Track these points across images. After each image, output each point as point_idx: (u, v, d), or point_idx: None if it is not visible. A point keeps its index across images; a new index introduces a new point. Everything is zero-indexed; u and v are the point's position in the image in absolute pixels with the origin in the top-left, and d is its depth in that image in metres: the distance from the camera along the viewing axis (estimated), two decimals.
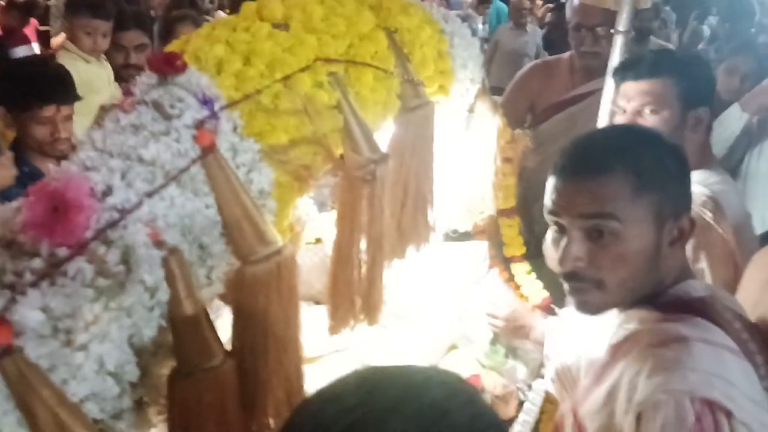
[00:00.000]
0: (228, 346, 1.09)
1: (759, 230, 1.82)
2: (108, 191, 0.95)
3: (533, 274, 2.05)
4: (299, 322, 1.14)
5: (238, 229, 1.04)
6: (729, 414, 0.86)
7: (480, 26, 6.17)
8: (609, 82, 1.95)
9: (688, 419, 0.85)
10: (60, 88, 2.03)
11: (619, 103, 1.72)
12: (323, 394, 0.60)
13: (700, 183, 1.63)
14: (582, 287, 1.02)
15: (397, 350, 1.76)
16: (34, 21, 4.25)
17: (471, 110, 1.87)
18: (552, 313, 1.86)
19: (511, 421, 1.69)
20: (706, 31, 6.01)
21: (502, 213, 2.11)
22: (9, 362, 0.82)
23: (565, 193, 1.02)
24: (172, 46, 1.16)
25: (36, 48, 3.91)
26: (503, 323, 1.66)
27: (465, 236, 2.14)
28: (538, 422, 1.71)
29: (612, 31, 2.05)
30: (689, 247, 1.60)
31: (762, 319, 1.08)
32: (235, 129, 1.07)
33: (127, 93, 1.05)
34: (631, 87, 1.67)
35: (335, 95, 1.20)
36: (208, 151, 1.02)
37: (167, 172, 0.99)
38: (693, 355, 0.90)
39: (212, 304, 1.13)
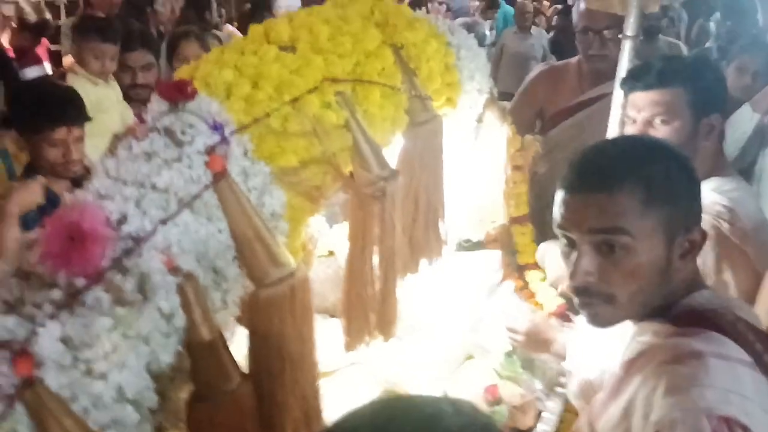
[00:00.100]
0: (243, 366, 1.10)
1: None
2: (123, 220, 0.96)
3: (547, 281, 2.05)
4: (314, 341, 1.15)
5: (252, 252, 1.05)
6: (746, 429, 0.85)
7: (488, 32, 6.17)
8: (618, 91, 1.93)
9: None
10: (70, 109, 2.05)
11: (629, 113, 1.69)
12: (340, 427, 0.60)
13: (716, 191, 1.61)
14: (592, 302, 1.02)
15: (412, 362, 1.76)
16: (45, 41, 4.30)
17: (480, 120, 1.87)
18: (567, 320, 1.86)
19: None
20: (713, 28, 5.97)
21: (514, 221, 2.11)
22: (31, 393, 0.84)
23: (574, 208, 1.01)
24: (182, 72, 1.18)
25: (48, 68, 3.97)
26: (523, 338, 1.65)
27: (477, 246, 2.15)
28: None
29: (620, 36, 2.04)
30: (712, 259, 1.60)
31: None
32: (245, 153, 1.09)
33: (139, 120, 1.07)
34: (640, 97, 1.64)
35: (343, 115, 1.21)
36: (219, 176, 1.03)
37: (180, 199, 1.00)
38: (708, 371, 0.90)
39: (227, 325, 1.14)
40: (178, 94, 1.04)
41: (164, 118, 1.06)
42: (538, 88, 2.67)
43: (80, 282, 0.90)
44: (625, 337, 1.08)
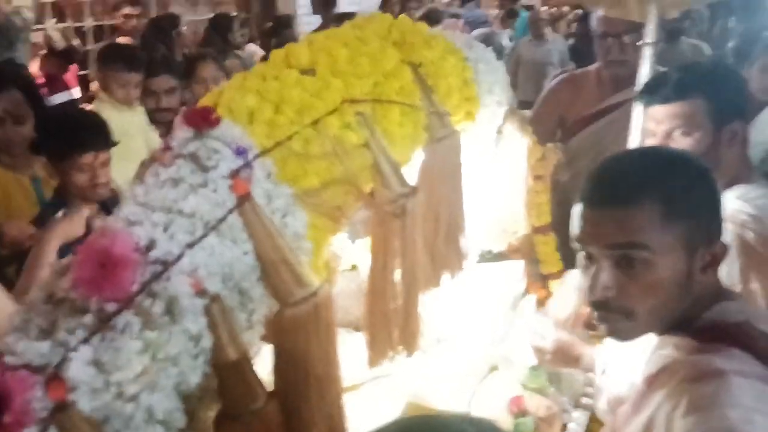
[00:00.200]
0: (268, 384, 1.12)
1: None
2: (151, 245, 0.99)
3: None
4: (338, 359, 1.16)
5: (276, 273, 1.07)
6: None
7: (508, 42, 6.18)
8: (638, 108, 1.91)
9: None
10: (97, 135, 2.11)
11: (649, 126, 1.67)
12: None
13: (741, 198, 1.58)
14: (611, 317, 1.01)
15: (436, 375, 1.76)
16: (74, 67, 4.42)
17: (500, 131, 1.88)
18: (592, 328, 1.85)
19: None
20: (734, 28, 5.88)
21: (537, 230, 2.11)
22: (64, 417, 0.87)
23: (593, 223, 1.01)
24: (206, 100, 1.21)
25: (77, 92, 4.07)
26: (550, 354, 1.64)
27: (500, 257, 2.15)
28: None
29: (639, 42, 2.04)
30: (737, 268, 1.57)
31: None
32: (268, 176, 1.11)
33: (166, 147, 1.10)
34: (658, 111, 1.62)
35: (363, 134, 1.23)
36: (243, 199, 1.05)
37: (206, 223, 1.03)
38: (730, 390, 0.89)
39: (252, 345, 1.16)
40: (203, 121, 1.07)
41: (190, 145, 1.09)
42: (558, 96, 2.67)
43: (111, 307, 0.93)
44: (649, 349, 1.08)
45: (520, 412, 1.68)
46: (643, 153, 1.23)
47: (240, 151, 1.08)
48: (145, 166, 1.08)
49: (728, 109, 1.60)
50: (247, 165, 1.08)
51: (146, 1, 5.37)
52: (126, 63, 2.80)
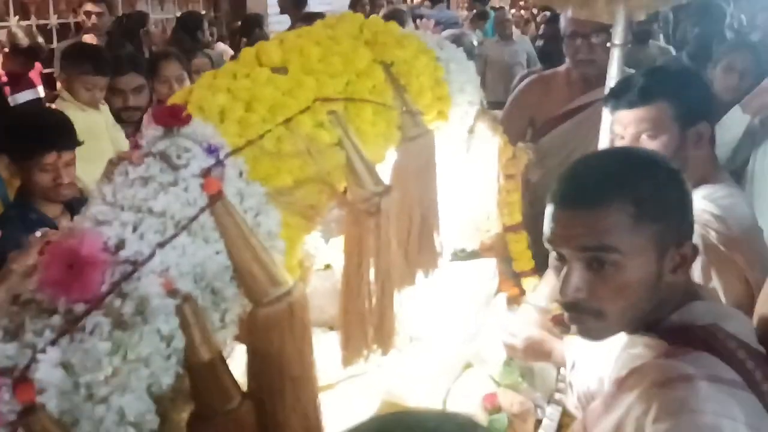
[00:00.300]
0: (243, 384, 1.11)
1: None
2: (121, 245, 0.98)
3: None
4: (313, 358, 1.16)
5: (249, 272, 1.06)
6: None
7: (476, 42, 6.23)
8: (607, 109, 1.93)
9: None
10: (60, 134, 2.07)
11: (616, 129, 1.70)
12: None
13: (706, 198, 1.62)
14: (582, 317, 1.02)
15: (411, 374, 1.77)
16: (38, 65, 4.32)
17: (472, 131, 1.89)
18: (563, 325, 1.87)
19: None
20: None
21: (508, 229, 2.13)
22: (33, 420, 0.85)
23: (564, 225, 1.01)
24: (176, 98, 1.20)
25: (41, 91, 3.98)
26: (521, 351, 1.66)
27: (473, 255, 2.16)
28: None
29: (608, 44, 2.07)
30: (699, 267, 1.61)
31: None
32: (240, 174, 1.10)
33: (135, 145, 1.08)
34: (625, 115, 1.65)
35: (336, 133, 1.23)
36: (215, 198, 1.04)
37: (177, 222, 1.02)
38: (698, 395, 0.89)
39: (226, 345, 1.15)
40: (173, 119, 1.06)
41: (159, 143, 1.07)
42: (528, 97, 2.70)
43: (80, 308, 0.92)
44: (618, 346, 1.09)
45: (494, 409, 1.69)
46: (613, 154, 1.22)
47: (211, 150, 1.07)
48: (112, 164, 1.07)
49: (693, 112, 1.63)
50: (219, 163, 1.07)
51: None
52: (93, 65, 2.74)
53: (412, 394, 1.70)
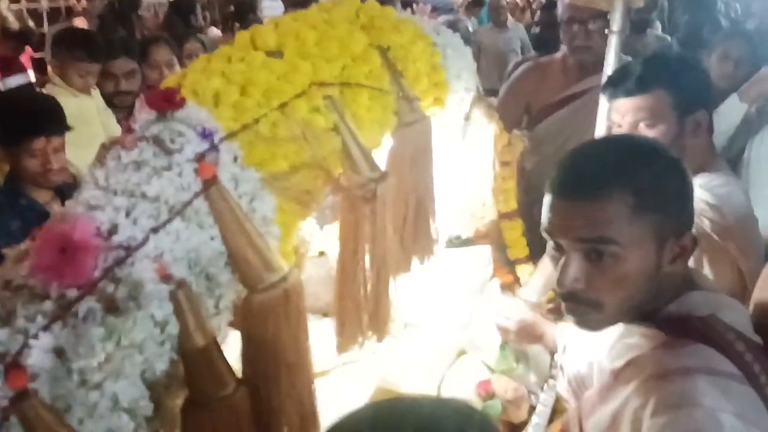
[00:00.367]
0: (237, 371, 1.10)
1: (763, 219, 1.79)
2: (114, 230, 0.96)
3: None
4: (309, 345, 1.15)
5: (244, 258, 1.05)
6: None
7: (471, 29, 6.19)
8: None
9: None
10: (48, 120, 2.04)
11: (614, 118, 1.68)
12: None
13: (702, 187, 1.61)
14: (579, 308, 1.00)
15: (405, 361, 1.77)
16: (29, 49, 4.27)
17: (467, 118, 1.88)
18: (558, 313, 1.88)
19: (523, 425, 1.70)
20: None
21: (503, 216, 2.12)
22: (25, 406, 0.84)
23: (562, 216, 0.99)
24: (170, 81, 1.18)
25: (31, 76, 3.94)
26: (514, 333, 1.66)
27: (468, 242, 2.16)
28: (550, 423, 1.72)
29: (606, 31, 2.05)
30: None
31: None
32: (235, 159, 1.09)
33: (127, 129, 1.07)
34: (623, 104, 1.63)
35: (332, 118, 1.22)
36: (210, 183, 1.03)
37: (171, 207, 1.00)
38: (697, 389, 0.88)
39: (220, 331, 1.14)
40: (167, 103, 1.04)
41: (153, 127, 1.06)
42: (524, 83, 2.68)
43: (72, 293, 0.91)
44: (612, 332, 1.08)
45: (488, 396, 1.70)
46: (613, 143, 1.18)
47: (206, 134, 1.05)
48: (105, 148, 1.05)
49: (691, 100, 1.61)
50: (213, 148, 1.06)
51: None
52: (86, 52, 2.70)
53: (406, 380, 1.70)
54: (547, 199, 1.02)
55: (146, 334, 0.94)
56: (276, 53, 1.22)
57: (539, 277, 1.88)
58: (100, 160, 1.07)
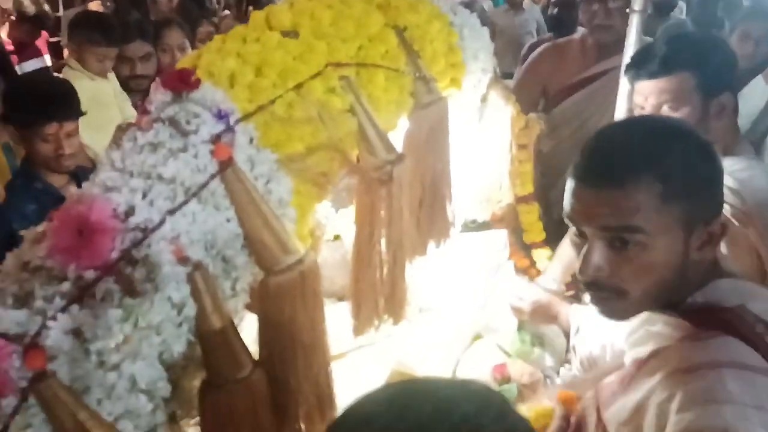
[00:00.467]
0: (254, 353, 1.10)
1: None
2: (130, 211, 0.96)
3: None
4: (325, 327, 1.15)
5: (260, 240, 1.05)
6: None
7: (486, 8, 6.11)
8: (624, 77, 1.88)
9: None
10: (61, 105, 2.03)
11: (636, 100, 1.63)
12: (352, 416, 0.59)
13: (725, 171, 1.58)
14: (604, 297, 0.97)
15: (421, 344, 1.76)
16: (44, 33, 4.28)
17: (484, 100, 1.86)
18: (577, 297, 1.86)
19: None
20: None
21: (520, 200, 2.10)
22: (44, 387, 0.85)
23: (586, 203, 0.95)
24: (185, 62, 1.17)
25: (48, 60, 3.95)
26: (529, 314, 1.65)
27: (484, 226, 2.14)
28: None
29: (627, 10, 2.01)
30: None
31: None
32: (251, 141, 1.08)
33: (143, 111, 1.06)
34: (646, 86, 1.58)
35: (348, 99, 1.20)
36: (226, 165, 1.02)
37: (187, 189, 1.00)
38: (725, 384, 0.85)
39: (237, 313, 1.14)
40: (182, 84, 1.04)
41: (168, 109, 1.05)
42: (541, 65, 2.65)
43: (90, 274, 0.91)
44: (633, 317, 1.06)
45: (504, 379, 1.69)
46: (640, 125, 1.10)
47: (221, 115, 1.05)
48: (121, 130, 1.05)
49: (717, 82, 1.57)
50: (229, 129, 1.05)
51: None
52: (104, 36, 2.70)
53: (422, 364, 1.70)
54: (570, 185, 0.98)
55: (163, 316, 0.95)
56: (291, 33, 1.20)
57: (557, 264, 1.86)
58: (116, 142, 1.07)
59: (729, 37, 3.05)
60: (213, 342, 1.01)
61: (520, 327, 1.81)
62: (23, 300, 0.91)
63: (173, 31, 3.02)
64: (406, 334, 1.76)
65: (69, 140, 2.03)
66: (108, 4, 4.38)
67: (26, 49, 3.83)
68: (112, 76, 2.81)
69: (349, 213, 1.54)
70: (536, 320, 1.71)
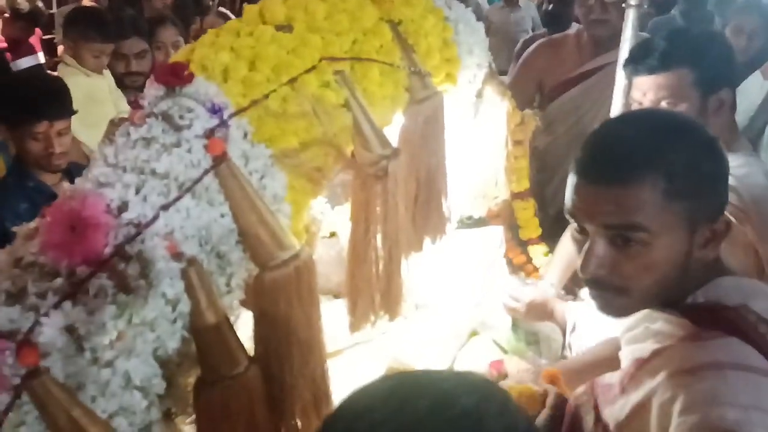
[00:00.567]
0: (249, 350, 1.09)
1: None
2: (124, 207, 0.96)
3: (550, 256, 2.05)
4: (321, 323, 1.14)
5: (255, 235, 1.04)
6: None
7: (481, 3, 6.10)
8: (621, 72, 1.88)
9: None
10: (52, 103, 2.02)
11: (634, 95, 1.62)
12: (352, 407, 0.58)
13: None
14: (604, 294, 0.95)
15: (418, 340, 1.76)
16: (38, 30, 4.26)
17: (479, 95, 1.85)
18: (572, 293, 1.86)
19: None
20: None
21: (516, 196, 2.10)
22: (37, 383, 0.84)
23: (588, 199, 0.93)
24: (178, 56, 1.16)
25: (41, 57, 3.93)
26: (524, 314, 1.65)
27: (480, 222, 2.14)
28: None
29: (623, 5, 2.01)
30: None
31: None
32: (245, 136, 1.07)
33: (136, 106, 1.05)
34: (644, 81, 1.57)
35: (343, 94, 1.20)
36: (220, 160, 1.02)
37: (181, 184, 0.99)
38: (728, 386, 0.85)
39: (232, 309, 1.13)
40: (175, 78, 1.03)
41: (161, 103, 1.04)
42: (537, 61, 2.64)
43: (83, 270, 0.90)
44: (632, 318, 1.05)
45: (500, 376, 1.69)
46: (645, 121, 1.06)
47: (215, 110, 1.04)
48: (114, 125, 1.04)
49: (715, 78, 1.56)
50: (223, 124, 1.04)
51: None
52: (100, 32, 2.69)
53: (418, 360, 1.69)
54: (571, 180, 0.96)
55: (158, 312, 0.94)
56: (285, 27, 1.19)
57: (556, 268, 1.85)
58: (109, 137, 1.06)
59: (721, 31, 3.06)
60: (208, 338, 1.00)
61: (514, 325, 1.80)
62: (16, 296, 0.90)
63: (168, 28, 3.01)
64: (402, 331, 1.76)
65: (60, 139, 2.02)
66: (102, 1, 4.36)
67: (20, 47, 3.81)
68: (107, 72, 2.79)
69: (345, 210, 1.53)
70: (532, 318, 1.70)
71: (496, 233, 2.08)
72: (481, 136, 1.92)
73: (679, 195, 0.90)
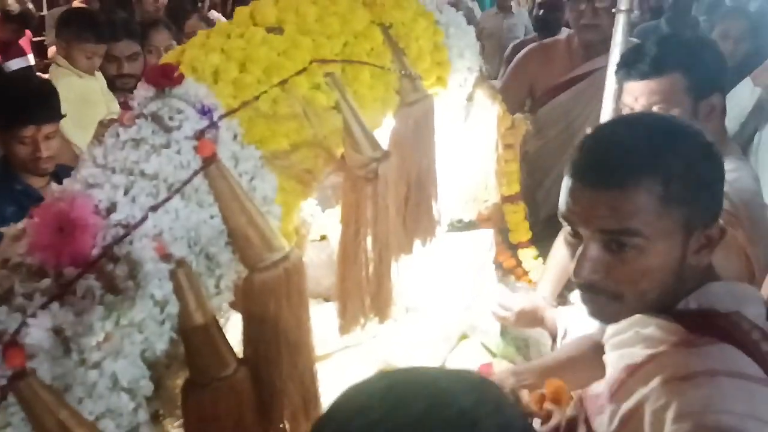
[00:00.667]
0: (238, 352, 1.09)
1: None
2: (112, 208, 0.95)
3: (540, 259, 2.06)
4: (310, 325, 1.14)
5: (245, 237, 1.04)
6: None
7: (471, 6, 6.10)
8: (611, 77, 1.88)
9: None
10: (39, 107, 2.00)
11: (625, 100, 1.61)
12: (346, 406, 0.57)
13: None
14: (597, 299, 0.94)
15: (408, 343, 1.76)
16: (28, 32, 4.24)
17: (470, 99, 1.86)
18: (562, 298, 1.87)
19: None
20: None
21: (506, 199, 2.11)
22: (24, 385, 0.83)
23: (584, 204, 0.92)
24: (168, 57, 1.16)
25: (31, 59, 3.91)
26: (514, 319, 1.65)
27: (470, 225, 2.14)
28: None
29: (614, 10, 2.02)
30: None
31: None
32: (235, 137, 1.07)
33: (126, 107, 1.05)
34: (636, 86, 1.56)
35: (333, 96, 1.20)
36: (209, 161, 1.02)
37: (170, 185, 0.99)
38: (722, 393, 0.84)
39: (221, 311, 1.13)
40: (165, 79, 1.03)
41: (151, 104, 1.04)
42: (528, 65, 2.65)
43: (70, 271, 0.90)
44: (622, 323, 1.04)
45: None
46: (642, 125, 1.03)
47: (205, 111, 1.04)
48: (103, 126, 1.04)
49: (707, 83, 1.56)
50: (213, 125, 1.04)
51: None
52: (93, 33, 2.68)
53: (408, 363, 1.69)
54: (566, 184, 0.95)
55: (146, 314, 0.94)
56: (276, 29, 1.20)
57: (546, 282, 1.84)
58: (98, 137, 1.05)
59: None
60: (196, 340, 1.00)
61: (503, 332, 1.81)
62: (3, 297, 0.89)
63: (160, 32, 3.00)
64: (393, 334, 1.76)
65: (47, 143, 2.00)
66: (93, 3, 4.34)
67: (10, 49, 3.79)
68: (99, 74, 2.79)
69: (336, 213, 1.53)
70: (522, 325, 1.70)
71: (486, 236, 2.08)
72: (471, 139, 1.93)
73: (676, 200, 0.90)
